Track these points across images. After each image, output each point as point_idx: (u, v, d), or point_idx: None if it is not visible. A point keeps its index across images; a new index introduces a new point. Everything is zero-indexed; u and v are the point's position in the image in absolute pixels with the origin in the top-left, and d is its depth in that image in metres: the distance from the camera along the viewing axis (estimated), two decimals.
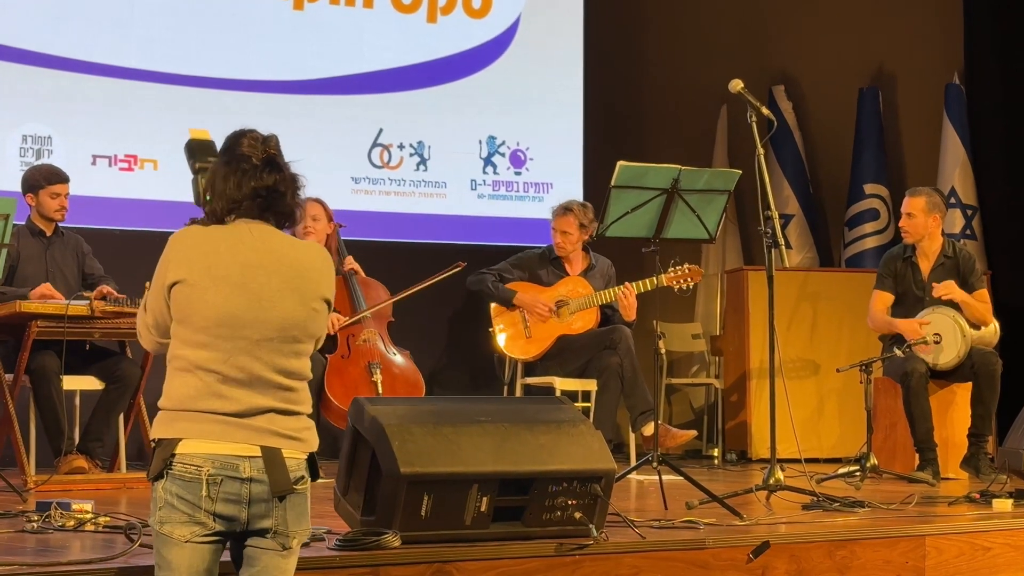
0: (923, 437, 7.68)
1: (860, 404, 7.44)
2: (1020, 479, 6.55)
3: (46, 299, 6.78)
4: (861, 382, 7.35)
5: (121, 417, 7.08)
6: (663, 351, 6.44)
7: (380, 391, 7.50)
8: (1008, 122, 10.88)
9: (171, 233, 3.72)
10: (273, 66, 8.92)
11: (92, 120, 8.46)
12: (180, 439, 3.55)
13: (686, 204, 6.50)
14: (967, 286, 7.90)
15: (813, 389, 9.44)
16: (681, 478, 6.20)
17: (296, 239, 3.75)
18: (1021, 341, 9.39)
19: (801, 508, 6.06)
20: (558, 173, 9.65)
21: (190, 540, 3.54)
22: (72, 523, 5.00)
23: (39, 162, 7.93)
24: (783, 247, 6.32)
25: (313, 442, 3.69)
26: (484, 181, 9.50)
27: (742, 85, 6.46)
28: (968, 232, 10.61)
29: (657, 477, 6.18)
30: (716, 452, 9.72)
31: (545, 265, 8.43)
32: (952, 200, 10.50)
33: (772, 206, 6.30)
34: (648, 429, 7.87)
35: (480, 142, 9.51)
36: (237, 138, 3.71)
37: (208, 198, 3.71)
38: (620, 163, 6.46)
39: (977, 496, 6.46)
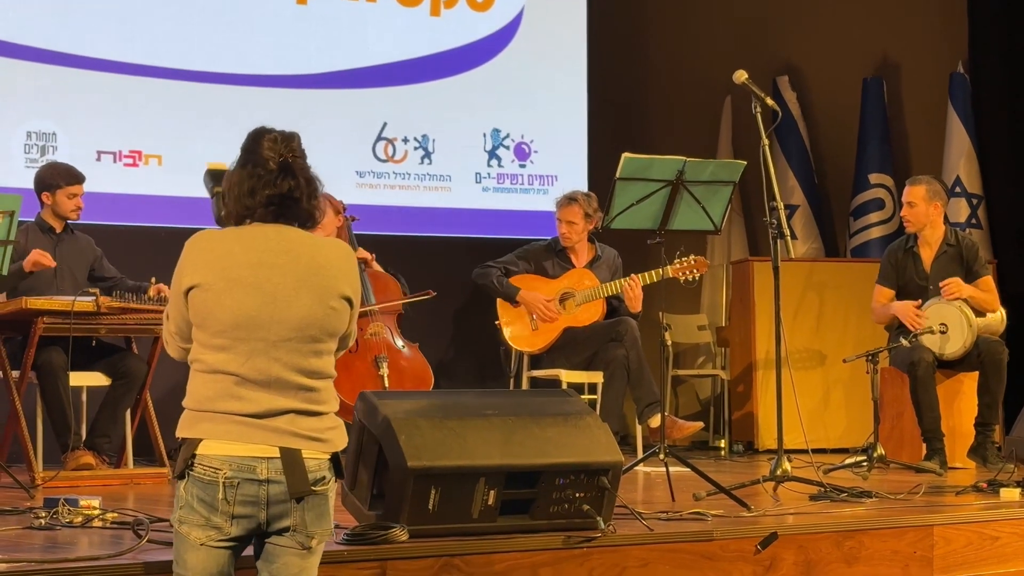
0: (930, 427, 7.67)
1: (867, 394, 7.44)
2: None
3: (39, 266, 6.78)
4: (868, 372, 7.35)
5: (128, 413, 7.09)
6: (669, 343, 6.44)
7: (386, 385, 7.50)
8: (1013, 110, 10.87)
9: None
10: (277, 61, 8.92)
11: (97, 116, 8.46)
12: (201, 439, 3.55)
13: (691, 196, 6.49)
14: (971, 274, 7.89)
15: (819, 379, 9.44)
16: (688, 470, 6.19)
17: (316, 237, 3.69)
18: None
19: (808, 499, 6.06)
20: (563, 166, 9.64)
21: (205, 544, 3.55)
22: (80, 519, 5.00)
23: (45, 159, 7.93)
24: (788, 238, 6.31)
25: (339, 442, 3.67)
26: (489, 174, 9.49)
27: (746, 76, 6.45)
28: (974, 221, 10.60)
29: (664, 469, 6.18)
30: (723, 443, 9.72)
31: (551, 257, 8.42)
32: (957, 189, 10.49)
33: (777, 197, 6.29)
34: (655, 421, 7.87)
35: (484, 135, 9.51)
36: (257, 138, 3.65)
37: (224, 200, 3.68)
38: (625, 155, 6.45)
39: (985, 485, 6.46)
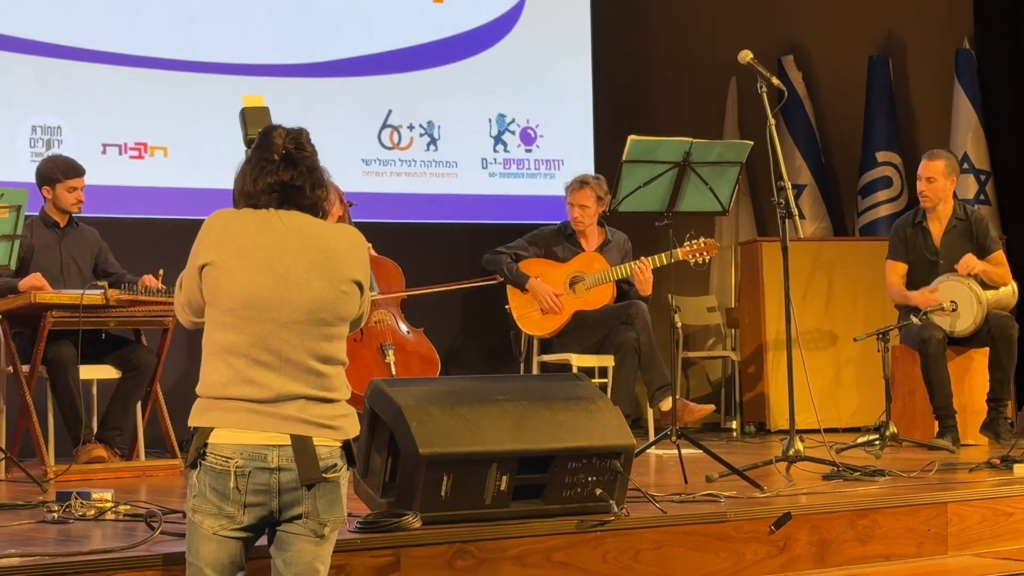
0: (942, 404, 7.66)
1: (878, 373, 7.43)
2: None
3: (36, 289, 6.74)
4: (878, 350, 7.34)
5: (139, 405, 7.09)
6: (679, 325, 6.42)
7: (394, 372, 7.49)
8: (1020, 85, 10.84)
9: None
10: (281, 50, 8.90)
11: (101, 109, 8.45)
12: (212, 428, 3.58)
13: (698, 177, 6.47)
14: (982, 249, 7.88)
15: (830, 359, 9.43)
16: (701, 452, 6.19)
17: (327, 223, 3.76)
18: None
19: (821, 478, 6.05)
20: (569, 150, 9.62)
21: (217, 533, 3.58)
22: (92, 512, 5.00)
23: (50, 152, 7.92)
24: (796, 217, 6.29)
25: (350, 429, 3.69)
26: (495, 160, 9.48)
27: (751, 56, 6.42)
28: (982, 197, 10.57)
29: (676, 451, 6.17)
30: (735, 424, 9.71)
31: (561, 241, 8.41)
32: (965, 165, 10.46)
33: (785, 177, 6.26)
34: (666, 404, 7.86)
35: (490, 121, 9.49)
36: (267, 133, 3.75)
37: (233, 187, 3.76)
38: (631, 137, 6.44)
39: (998, 462, 6.44)
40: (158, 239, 8.01)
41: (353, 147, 9.05)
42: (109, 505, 5.06)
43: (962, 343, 7.92)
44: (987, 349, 7.82)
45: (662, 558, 4.88)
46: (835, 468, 6.11)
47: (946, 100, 10.81)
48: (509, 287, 8.31)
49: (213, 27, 8.73)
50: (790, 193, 6.27)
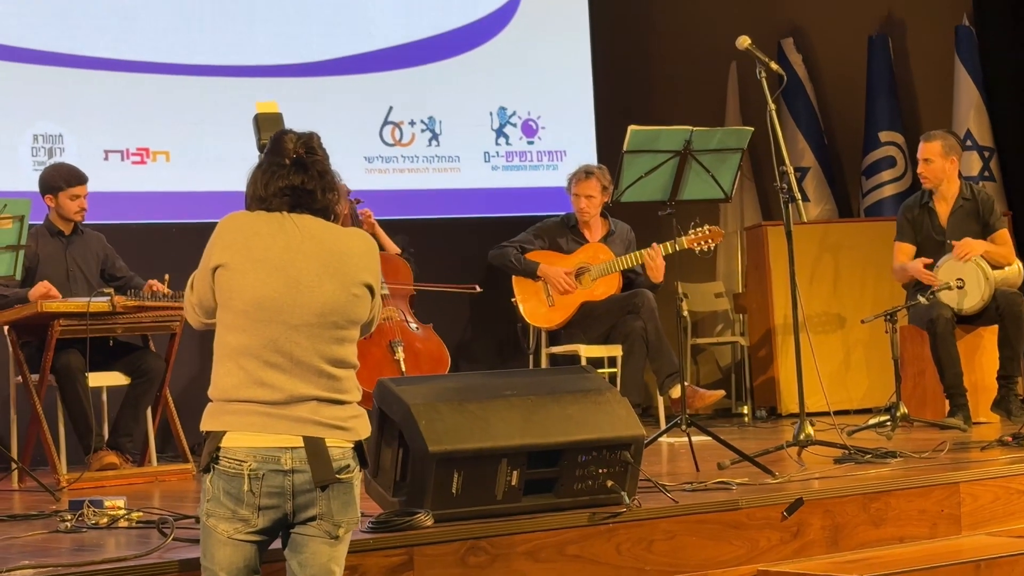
0: (952, 383, 7.65)
1: (887, 354, 7.42)
2: None
3: (46, 298, 6.75)
4: (887, 331, 7.33)
5: (149, 411, 7.09)
6: (686, 312, 6.42)
7: (403, 369, 7.50)
8: (1020, 60, 10.80)
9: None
10: (279, 50, 8.90)
11: (102, 115, 8.45)
12: (225, 432, 3.59)
13: (700, 165, 6.46)
14: (988, 228, 7.87)
15: (839, 341, 9.41)
16: (711, 439, 6.18)
17: (338, 226, 3.78)
18: None
19: (833, 462, 6.05)
20: (571, 140, 9.61)
21: (232, 537, 3.59)
22: (105, 520, 5.01)
23: (52, 161, 7.91)
24: (800, 201, 6.28)
25: (362, 430, 3.70)
26: (497, 153, 9.47)
27: (749, 41, 6.42)
28: (986, 174, 10.55)
29: (687, 439, 6.17)
30: (745, 410, 9.70)
31: (565, 233, 8.41)
32: (968, 143, 10.44)
33: (787, 161, 6.26)
34: (676, 392, 7.85)
35: (491, 114, 9.48)
36: (279, 138, 3.77)
37: (246, 191, 3.78)
38: (631, 127, 6.43)
39: (1009, 439, 6.44)
40: (163, 244, 8.00)
41: (355, 145, 9.04)
42: (122, 512, 5.07)
43: (971, 321, 7.91)
44: (996, 327, 7.81)
45: (675, 548, 4.89)
46: (847, 451, 6.10)
47: (947, 78, 10.78)
48: (514, 279, 8.30)
49: (211, 30, 8.72)
50: (792, 177, 6.26)
